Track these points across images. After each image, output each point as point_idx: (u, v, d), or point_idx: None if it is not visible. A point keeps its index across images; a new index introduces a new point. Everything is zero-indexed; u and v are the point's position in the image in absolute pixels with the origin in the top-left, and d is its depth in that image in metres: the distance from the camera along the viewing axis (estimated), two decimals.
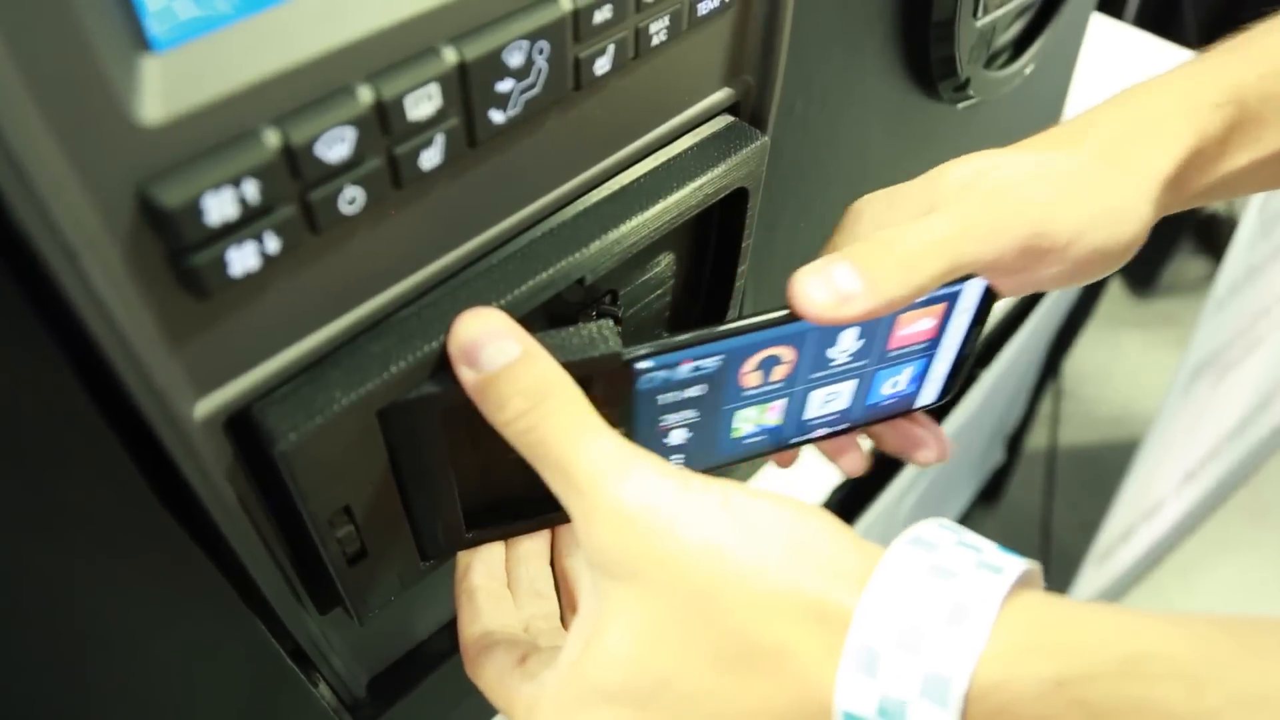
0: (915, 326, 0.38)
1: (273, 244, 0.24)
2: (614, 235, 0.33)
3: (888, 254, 0.32)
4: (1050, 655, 0.24)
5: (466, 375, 0.29)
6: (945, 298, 0.37)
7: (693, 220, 0.38)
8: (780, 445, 0.40)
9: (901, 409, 0.42)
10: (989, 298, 0.38)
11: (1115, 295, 1.97)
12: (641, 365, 0.33)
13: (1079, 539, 1.32)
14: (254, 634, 0.35)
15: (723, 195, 0.37)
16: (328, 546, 0.32)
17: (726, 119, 0.38)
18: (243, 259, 0.24)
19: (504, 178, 0.31)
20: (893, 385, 0.41)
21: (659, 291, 0.41)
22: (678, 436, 0.37)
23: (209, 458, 0.27)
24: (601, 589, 0.28)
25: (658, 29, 0.31)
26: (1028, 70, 0.59)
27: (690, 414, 0.36)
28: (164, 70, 0.21)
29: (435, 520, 0.36)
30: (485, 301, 0.31)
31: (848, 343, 0.37)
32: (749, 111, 0.39)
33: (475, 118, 0.27)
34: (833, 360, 0.37)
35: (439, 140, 0.27)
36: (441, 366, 0.30)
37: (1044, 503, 1.66)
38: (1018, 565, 0.26)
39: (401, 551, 0.36)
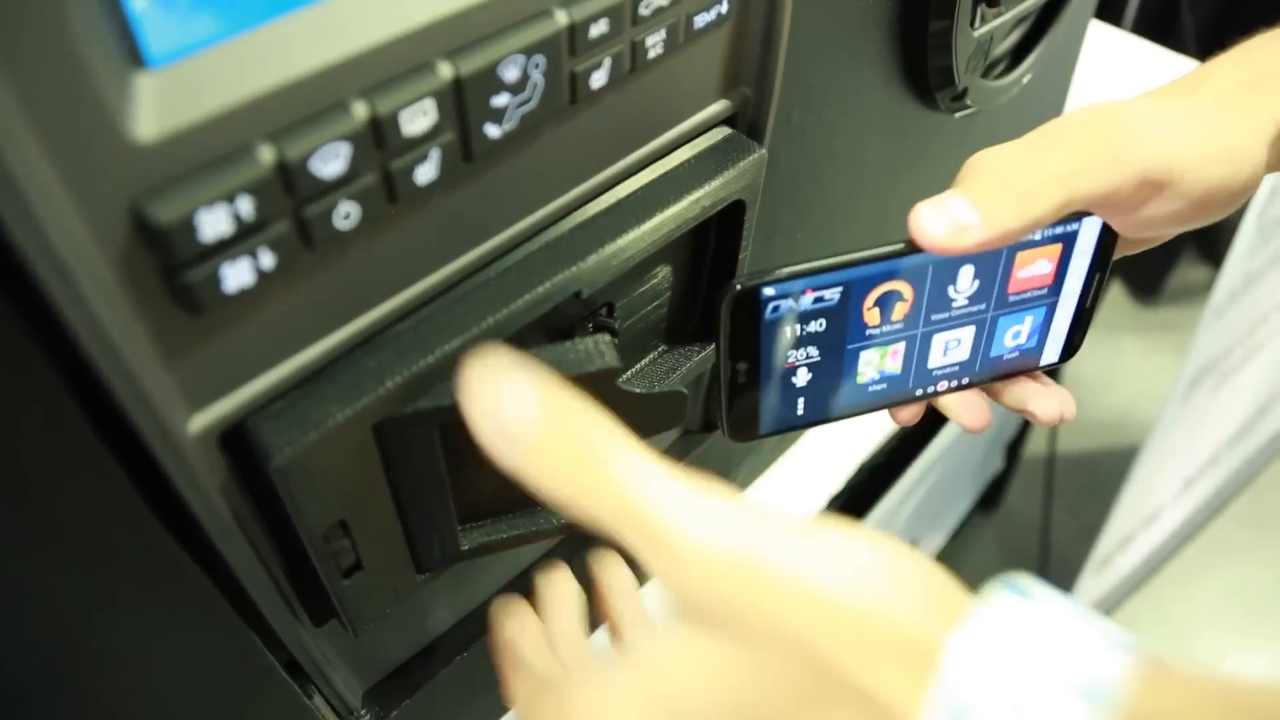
0: (1033, 269, 0.38)
1: (267, 260, 0.24)
2: (611, 249, 0.33)
3: (1005, 187, 0.33)
4: None
5: (505, 457, 0.27)
6: (1062, 237, 0.38)
7: (690, 232, 0.38)
8: (904, 397, 0.41)
9: (1024, 366, 0.42)
10: (1107, 241, 0.38)
11: (1116, 302, 1.97)
12: (767, 293, 0.34)
13: (1078, 546, 1.32)
14: (248, 646, 0.35)
15: (720, 208, 0.37)
16: (323, 560, 0.32)
17: (724, 131, 0.38)
18: (237, 275, 0.24)
19: (500, 191, 0.30)
20: (1014, 336, 0.41)
21: (656, 303, 0.41)
22: (803, 377, 0.38)
23: (203, 472, 0.27)
24: (685, 633, 0.26)
25: (654, 42, 0.31)
26: (1025, 79, 0.59)
27: (814, 352, 0.37)
28: (159, 87, 0.21)
29: (431, 533, 0.36)
30: (481, 316, 0.31)
31: (965, 282, 0.38)
32: (746, 123, 0.39)
33: (471, 133, 0.27)
34: (952, 300, 0.38)
35: (434, 155, 0.27)
36: (438, 380, 0.30)
37: (1043, 510, 1.66)
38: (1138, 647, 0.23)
39: (397, 564, 0.36)
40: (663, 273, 0.40)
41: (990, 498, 1.62)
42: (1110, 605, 1.53)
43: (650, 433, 0.39)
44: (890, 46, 0.49)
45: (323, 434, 0.28)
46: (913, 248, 0.35)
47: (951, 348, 0.40)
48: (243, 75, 0.23)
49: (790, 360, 0.37)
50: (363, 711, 0.44)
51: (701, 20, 0.33)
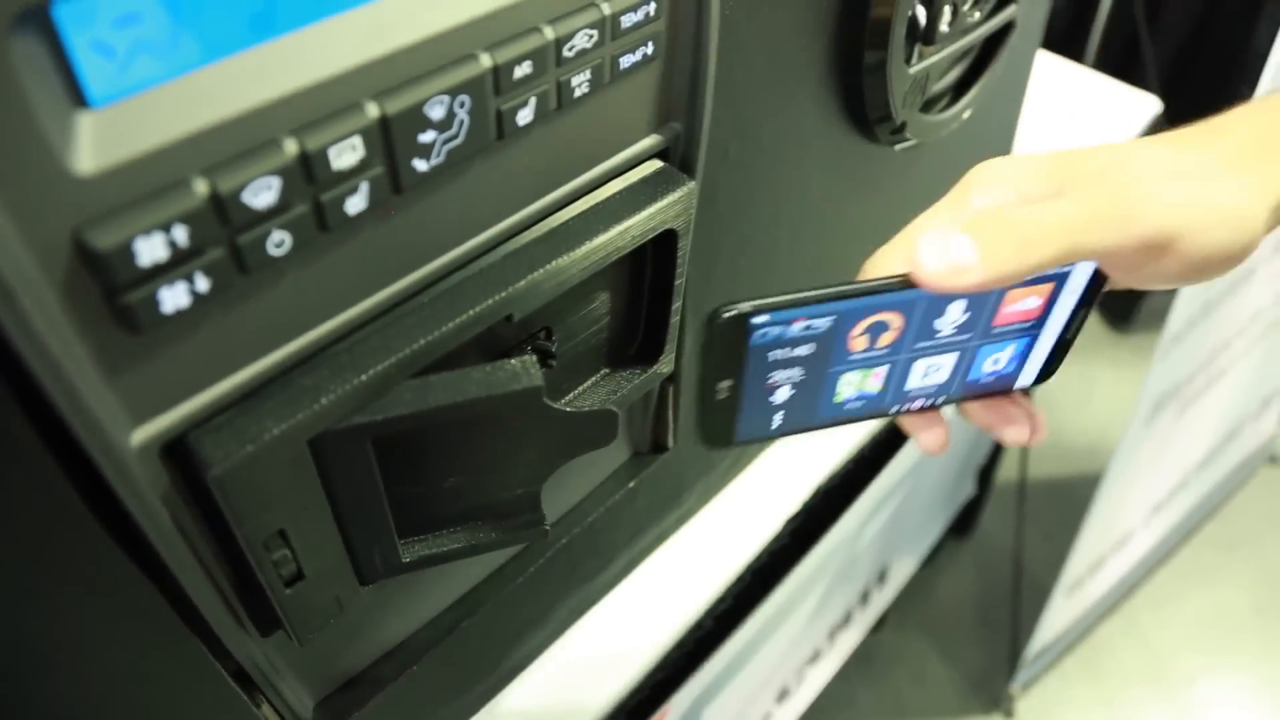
0: (1022, 304, 0.39)
1: (203, 283, 0.26)
2: (540, 274, 0.35)
3: (1009, 231, 0.33)
4: None
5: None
6: (1054, 277, 0.38)
7: (626, 259, 0.40)
8: (878, 413, 0.42)
9: (1000, 388, 0.43)
10: (1097, 281, 0.39)
11: (1089, 327, 1.99)
12: (756, 320, 0.35)
13: (1052, 571, 1.34)
14: (195, 655, 0.37)
15: (651, 237, 0.39)
16: (264, 569, 0.34)
17: (656, 164, 0.40)
18: (174, 297, 0.26)
19: (432, 221, 0.33)
20: (994, 363, 0.42)
21: (595, 328, 0.43)
22: (782, 395, 0.38)
23: (145, 483, 0.29)
24: None
25: (579, 81, 0.34)
26: (965, 115, 0.62)
27: (797, 373, 0.38)
28: (98, 125, 0.23)
29: (372, 545, 0.37)
30: (414, 338, 0.33)
31: (954, 314, 0.38)
32: (679, 157, 0.41)
33: (399, 166, 0.29)
34: (938, 331, 0.39)
35: (364, 187, 0.29)
36: (372, 398, 0.32)
37: (1016, 535, 1.68)
38: None
39: (340, 575, 0.37)
40: (601, 298, 0.42)
41: (963, 523, 1.63)
42: (1084, 628, 1.54)
43: (582, 450, 0.41)
44: (828, 82, 0.51)
45: (259, 447, 0.30)
46: (909, 283, 0.35)
47: (931, 372, 0.41)
48: (179, 114, 0.25)
49: (772, 380, 0.38)
50: None
51: (627, 61, 0.35)
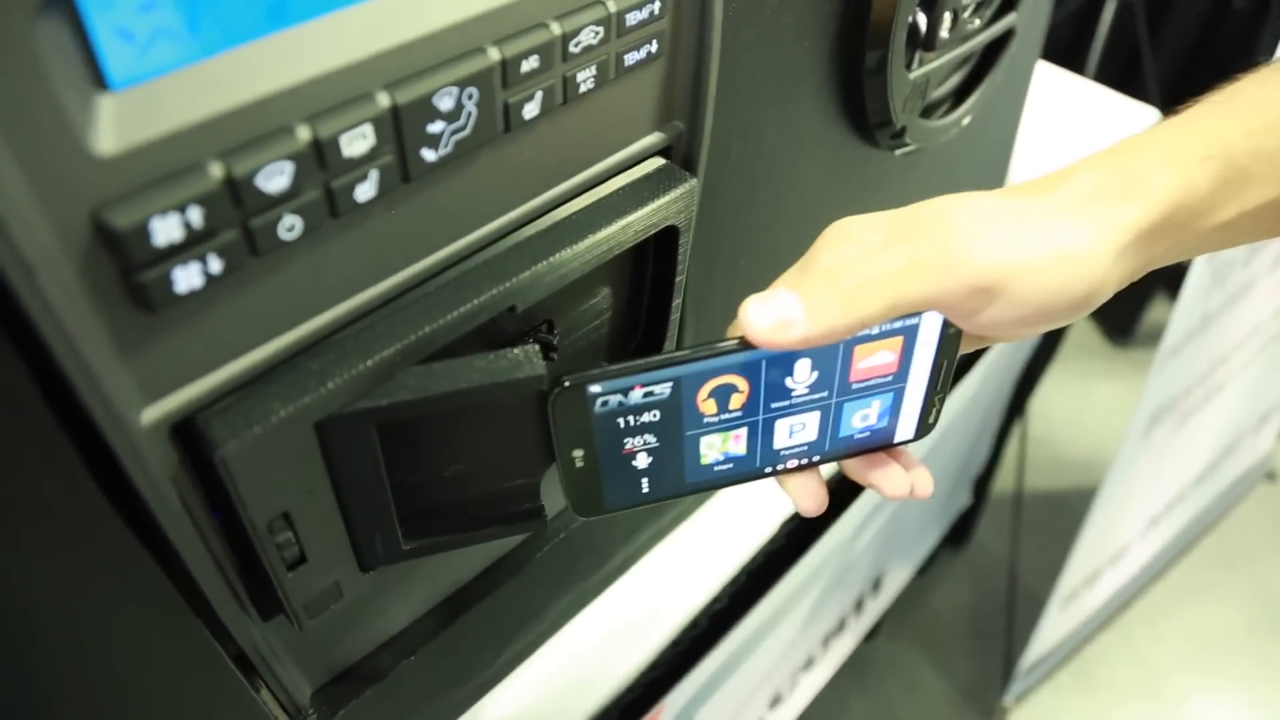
0: (875, 359, 0.39)
1: (216, 265, 0.27)
2: (544, 267, 0.36)
3: (831, 285, 0.34)
4: None
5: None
6: (902, 331, 0.39)
7: (628, 255, 0.41)
8: (752, 474, 0.42)
9: (879, 443, 0.43)
10: (950, 332, 0.39)
11: (1088, 342, 2.01)
12: (594, 390, 0.35)
13: (1047, 583, 1.34)
14: (197, 636, 0.37)
15: (653, 233, 0.40)
16: (267, 551, 0.34)
17: (658, 161, 0.41)
18: (187, 277, 0.26)
19: (438, 211, 0.33)
20: (863, 419, 0.42)
21: (596, 322, 0.44)
22: (643, 460, 0.39)
23: (154, 461, 0.30)
24: None
25: (585, 78, 0.34)
26: (965, 121, 0.63)
27: (650, 439, 0.38)
28: (118, 108, 0.24)
29: (373, 532, 0.38)
30: (419, 325, 0.34)
31: (803, 374, 0.38)
32: (681, 155, 0.42)
33: (408, 156, 0.30)
34: (792, 390, 0.39)
35: (373, 175, 0.29)
36: (377, 384, 0.33)
37: (1011, 547, 1.68)
38: None
39: (341, 560, 0.38)
40: (602, 294, 0.43)
41: (958, 534, 1.63)
42: (1078, 641, 1.55)
43: None
44: (829, 85, 0.52)
45: (266, 428, 0.30)
46: (743, 345, 0.36)
47: (797, 430, 0.41)
48: (196, 99, 0.25)
49: (627, 447, 0.38)
50: (310, 711, 0.46)
51: (631, 58, 0.36)
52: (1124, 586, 1.54)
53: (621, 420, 0.37)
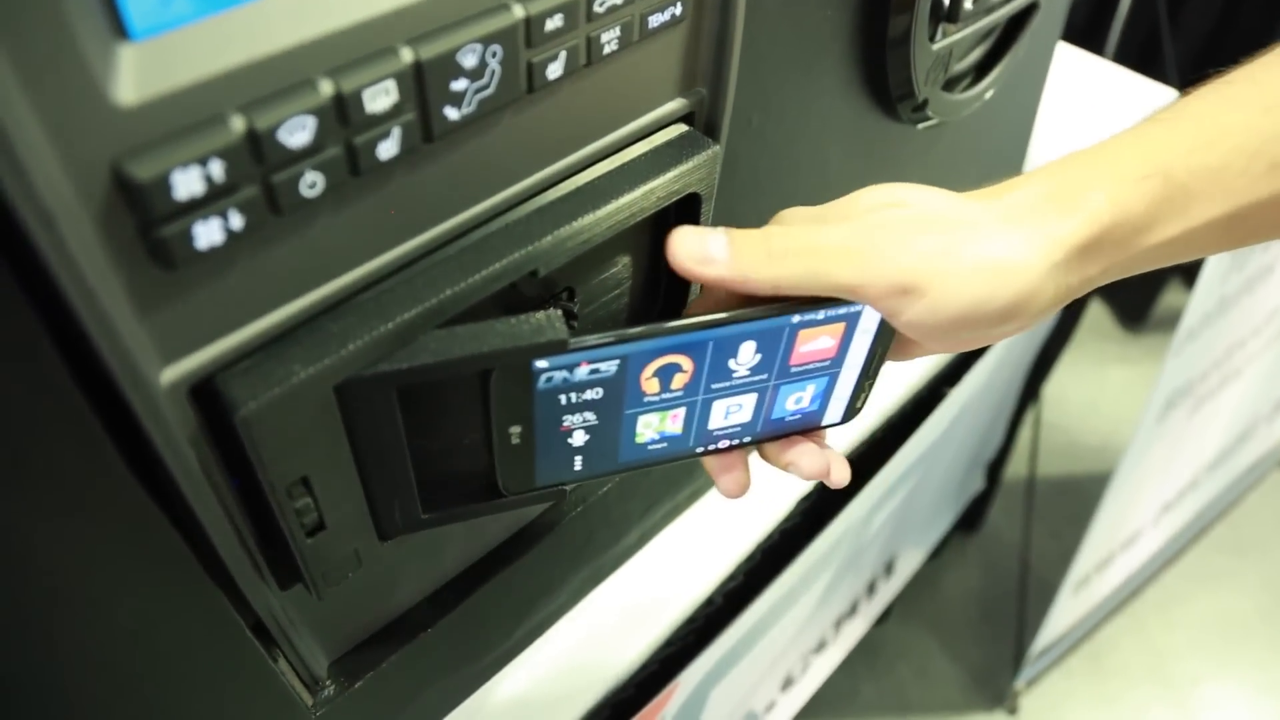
0: (816, 344, 0.39)
1: (236, 221, 0.26)
2: (566, 231, 0.36)
3: (762, 242, 0.35)
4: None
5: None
6: (845, 317, 0.38)
7: (648, 223, 0.41)
8: (684, 454, 0.42)
9: (806, 426, 0.43)
10: (889, 326, 0.39)
11: (1101, 327, 2.00)
12: (539, 366, 0.34)
13: (1059, 569, 1.34)
14: (216, 605, 0.37)
15: (675, 199, 0.40)
16: (286, 516, 0.34)
17: (681, 128, 0.40)
18: (208, 233, 0.26)
19: (460, 172, 0.33)
20: (796, 401, 0.42)
21: (617, 292, 0.43)
22: (579, 438, 0.38)
23: (174, 423, 0.29)
24: None
25: (609, 38, 0.34)
26: (988, 95, 0.62)
27: (590, 416, 0.37)
28: (140, 58, 0.24)
29: (392, 500, 0.37)
30: (440, 288, 0.33)
31: (746, 356, 0.38)
32: (703, 122, 0.41)
33: (431, 114, 0.29)
34: (733, 371, 0.39)
35: (395, 133, 0.29)
36: (397, 347, 0.32)
37: (1024, 532, 1.67)
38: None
39: (360, 528, 0.38)
40: (623, 262, 0.43)
41: (971, 518, 1.63)
42: (1090, 627, 1.54)
43: None
44: (851, 56, 0.51)
45: (286, 390, 0.30)
46: (692, 327, 0.36)
47: (733, 411, 0.41)
48: (218, 50, 0.25)
49: (566, 424, 0.37)
50: (327, 681, 0.46)
51: (656, 20, 0.35)
52: (1136, 572, 1.53)
53: (563, 397, 0.36)
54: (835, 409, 0.43)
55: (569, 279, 0.40)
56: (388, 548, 0.40)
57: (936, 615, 1.59)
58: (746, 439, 0.42)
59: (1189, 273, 1.92)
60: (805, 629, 1.02)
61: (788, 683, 1.13)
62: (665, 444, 0.41)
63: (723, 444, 0.42)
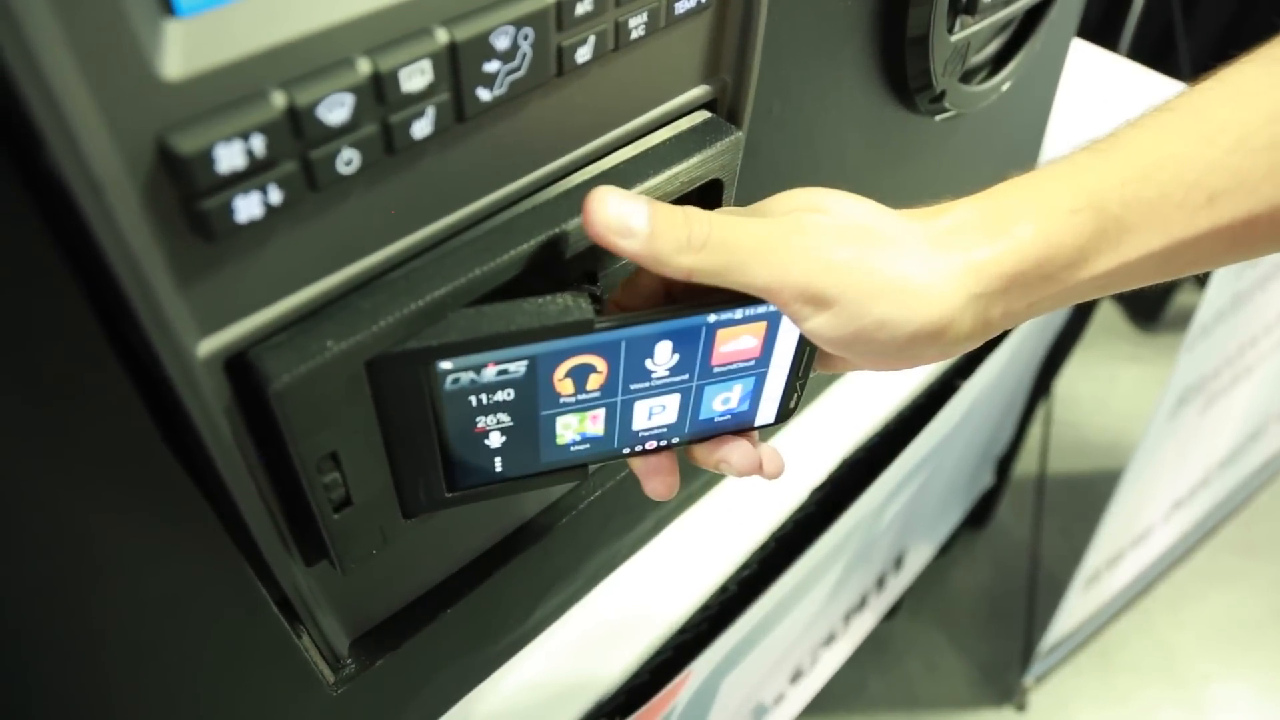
0: (738, 344, 0.39)
1: (275, 195, 0.27)
2: None
3: (683, 226, 0.33)
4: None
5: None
6: (765, 316, 0.38)
7: None
8: (610, 455, 0.41)
9: (738, 427, 0.43)
10: None
11: (1113, 325, 1.99)
12: (444, 366, 0.34)
13: (1068, 565, 1.34)
14: (243, 578, 0.38)
15: (698, 185, 0.40)
16: (314, 491, 0.34)
17: (704, 114, 0.41)
18: (248, 207, 0.27)
19: (490, 154, 0.33)
20: (724, 402, 0.41)
21: None
22: (496, 439, 0.38)
23: (210, 395, 0.30)
24: None
25: (636, 24, 0.34)
26: (1004, 87, 0.62)
27: (504, 418, 0.37)
28: (186, 33, 0.24)
29: (418, 477, 0.38)
30: (469, 268, 0.34)
31: (664, 356, 0.38)
32: (726, 109, 0.42)
33: (464, 94, 0.30)
34: (652, 372, 0.38)
35: (430, 112, 0.29)
36: (427, 324, 0.33)
37: (1033, 528, 1.68)
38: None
39: (386, 505, 0.38)
40: None
41: (980, 514, 1.63)
42: (1099, 623, 1.54)
43: None
44: (870, 47, 0.52)
45: (318, 364, 0.31)
46: (597, 327, 0.35)
47: (657, 412, 0.40)
48: (261, 28, 0.25)
49: (480, 425, 0.37)
50: (348, 659, 0.47)
51: (682, 6, 0.36)
52: (1146, 569, 1.53)
53: (473, 398, 0.36)
54: (767, 409, 0.43)
55: (590, 263, 0.41)
56: (410, 526, 0.40)
57: (945, 610, 1.59)
58: (675, 440, 0.42)
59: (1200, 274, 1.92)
60: (815, 621, 1.02)
61: (797, 675, 1.13)
62: (588, 445, 0.40)
63: (650, 445, 0.41)
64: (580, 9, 0.32)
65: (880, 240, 0.35)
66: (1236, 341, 1.24)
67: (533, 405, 0.37)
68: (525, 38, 0.31)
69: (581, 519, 0.54)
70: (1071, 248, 0.35)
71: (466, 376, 0.35)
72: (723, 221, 0.34)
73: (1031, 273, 0.35)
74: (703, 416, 0.41)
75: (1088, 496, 1.68)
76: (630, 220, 0.33)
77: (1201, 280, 1.93)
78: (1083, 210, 0.34)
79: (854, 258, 0.34)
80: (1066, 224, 0.34)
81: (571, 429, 0.39)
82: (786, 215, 0.35)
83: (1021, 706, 1.48)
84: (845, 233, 0.34)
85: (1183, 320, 1.93)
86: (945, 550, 1.54)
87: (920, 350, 0.35)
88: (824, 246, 0.34)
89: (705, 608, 0.67)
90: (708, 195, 0.42)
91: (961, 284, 0.34)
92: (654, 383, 0.39)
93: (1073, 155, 0.37)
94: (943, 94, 0.57)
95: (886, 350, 0.35)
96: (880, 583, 1.26)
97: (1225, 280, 1.10)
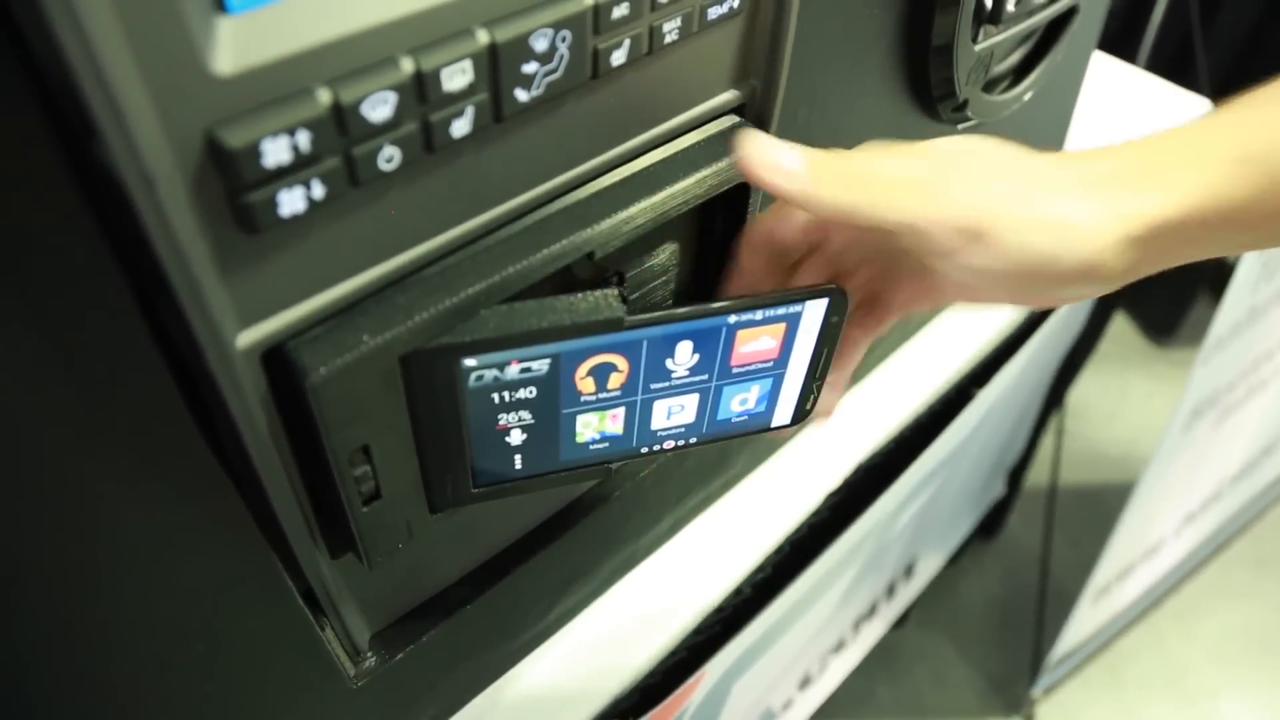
0: (757, 344, 0.39)
1: (318, 190, 0.28)
2: (622, 215, 0.37)
3: (839, 164, 0.35)
4: None
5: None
6: (785, 317, 0.39)
7: (697, 212, 0.41)
8: (629, 454, 0.42)
9: (755, 428, 0.43)
10: (833, 319, 0.39)
11: (1126, 338, 1.99)
12: (468, 363, 0.34)
13: (1076, 578, 1.34)
14: (269, 568, 0.38)
15: (725, 188, 0.40)
16: (344, 484, 0.35)
17: (733, 119, 0.41)
18: (291, 201, 0.27)
19: (525, 154, 0.34)
20: (741, 403, 0.42)
21: (664, 278, 0.44)
22: (516, 437, 0.38)
23: (247, 386, 0.31)
24: None
25: (670, 28, 0.35)
26: (1026, 96, 0.62)
27: (525, 415, 0.37)
28: (236, 30, 0.25)
29: (445, 473, 0.39)
30: (502, 266, 0.34)
31: (684, 356, 0.38)
32: (754, 114, 0.42)
33: (502, 94, 0.31)
34: (672, 372, 0.39)
35: (469, 112, 0.30)
36: (460, 321, 0.33)
37: (1043, 539, 1.67)
38: None
39: (413, 499, 0.39)
40: (671, 249, 0.44)
41: (991, 524, 1.63)
42: (1109, 636, 1.54)
43: None
44: (895, 55, 0.52)
45: (353, 358, 0.31)
46: (622, 325, 0.35)
47: (675, 412, 0.40)
48: (308, 26, 0.26)
49: (502, 422, 0.37)
50: (369, 653, 0.47)
51: (714, 12, 0.36)
52: (1156, 583, 1.53)
53: (496, 395, 0.36)
54: (784, 411, 0.43)
55: (619, 263, 0.41)
56: (436, 521, 0.41)
57: (954, 620, 1.59)
58: (693, 440, 0.42)
59: (1218, 288, 1.91)
60: (826, 628, 1.02)
61: (806, 682, 1.13)
62: (607, 444, 0.40)
63: (668, 444, 0.42)
64: (617, 13, 0.32)
65: (1038, 177, 0.35)
66: (1252, 355, 1.24)
67: (554, 403, 0.37)
68: (563, 40, 0.31)
69: (601, 518, 0.55)
70: (1233, 199, 0.34)
71: (490, 374, 0.35)
72: (877, 155, 0.35)
73: (1191, 220, 0.34)
74: (720, 417, 0.42)
75: (1098, 508, 1.68)
76: (781, 156, 0.35)
77: (1217, 295, 1.93)
78: (1249, 161, 0.34)
79: (1010, 193, 0.34)
80: (1231, 174, 0.34)
81: (591, 427, 0.39)
82: (943, 156, 0.36)
83: (1029, 718, 1.48)
84: (1004, 168, 0.35)
85: (1197, 336, 1.92)
86: (955, 560, 1.53)
87: (1066, 287, 0.35)
88: (983, 180, 0.35)
89: (719, 609, 0.67)
90: (734, 200, 0.43)
91: (1116, 224, 0.34)
92: (674, 382, 0.39)
93: (1233, 106, 0.36)
94: (965, 103, 0.57)
95: (1032, 287, 0.36)
96: (890, 590, 1.26)
97: (1242, 293, 1.10)
